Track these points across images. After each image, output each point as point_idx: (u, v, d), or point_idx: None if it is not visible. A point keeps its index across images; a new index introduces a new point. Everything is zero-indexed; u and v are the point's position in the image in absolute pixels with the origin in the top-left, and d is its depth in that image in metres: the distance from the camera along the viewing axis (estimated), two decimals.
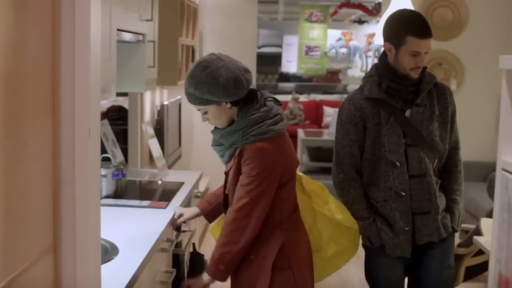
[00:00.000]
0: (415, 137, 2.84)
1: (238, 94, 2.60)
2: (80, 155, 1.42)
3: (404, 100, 2.89)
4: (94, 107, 1.45)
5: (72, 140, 1.41)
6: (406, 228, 2.90)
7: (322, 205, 3.03)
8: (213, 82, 2.55)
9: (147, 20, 3.67)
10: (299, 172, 3.18)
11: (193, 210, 3.21)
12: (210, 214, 3.10)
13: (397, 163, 2.86)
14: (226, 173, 2.77)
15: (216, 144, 2.78)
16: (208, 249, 5.34)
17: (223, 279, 2.73)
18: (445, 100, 2.93)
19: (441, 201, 2.94)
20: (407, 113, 2.90)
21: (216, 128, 2.76)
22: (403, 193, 2.88)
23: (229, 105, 2.63)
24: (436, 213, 2.90)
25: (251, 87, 2.67)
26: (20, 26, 1.23)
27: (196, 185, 4.22)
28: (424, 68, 2.89)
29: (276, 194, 2.66)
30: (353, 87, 13.64)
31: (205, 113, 2.69)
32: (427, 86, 2.87)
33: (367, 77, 3.01)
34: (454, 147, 2.99)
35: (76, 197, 1.43)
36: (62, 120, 1.41)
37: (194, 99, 2.64)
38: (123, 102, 4.96)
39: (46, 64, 1.37)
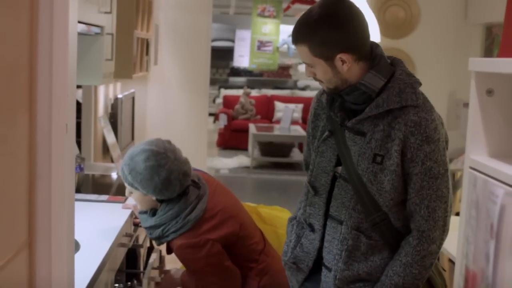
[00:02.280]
0: (347, 171, 2.05)
1: (165, 195, 2.65)
2: (56, 150, 1.41)
3: (342, 117, 2.09)
4: (71, 101, 1.44)
5: (48, 135, 1.40)
6: (293, 264, 2.26)
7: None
8: (148, 177, 2.59)
9: (106, 13, 3.63)
10: (251, 204, 3.23)
11: None
12: None
13: (311, 189, 2.18)
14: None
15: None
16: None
17: None
18: (397, 140, 1.96)
19: (358, 267, 2.09)
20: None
21: (141, 213, 2.83)
22: (309, 228, 2.20)
23: (154, 198, 2.69)
24: (336, 277, 2.11)
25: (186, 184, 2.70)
26: (4, 18, 1.21)
27: None
28: (385, 86, 2.01)
29: (234, 249, 2.71)
30: (303, 82, 13.78)
31: (130, 192, 2.76)
32: (371, 111, 1.98)
33: None
34: (414, 212, 2.01)
35: (52, 192, 1.42)
36: (39, 114, 1.39)
37: (124, 178, 2.70)
38: (77, 95, 4.89)
39: (23, 57, 1.35)
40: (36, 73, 1.39)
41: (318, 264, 2.22)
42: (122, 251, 3.14)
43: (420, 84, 2.03)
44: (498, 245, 1.40)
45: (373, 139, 1.99)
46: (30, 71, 1.38)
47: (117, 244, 2.86)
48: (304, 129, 10.62)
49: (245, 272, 2.74)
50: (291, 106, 11.50)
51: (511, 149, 1.59)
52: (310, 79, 13.96)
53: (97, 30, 3.48)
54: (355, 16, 1.96)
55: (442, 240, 2.00)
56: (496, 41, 6.17)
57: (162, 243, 2.76)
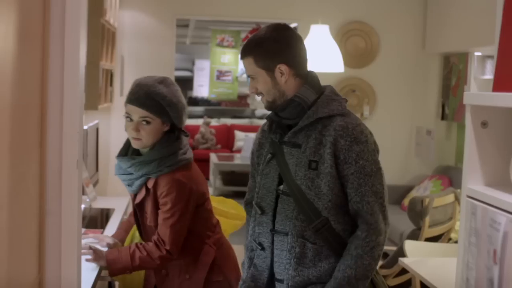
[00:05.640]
0: (288, 185, 2.22)
1: (181, 123, 2.68)
2: (66, 186, 1.41)
3: (281, 135, 2.28)
4: (80, 138, 1.44)
5: (59, 171, 1.40)
6: (251, 282, 2.34)
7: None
8: (175, 100, 2.62)
9: None
10: None
11: (114, 240, 3.16)
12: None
13: (258, 209, 2.30)
14: (138, 205, 2.73)
15: (122, 172, 2.72)
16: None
17: (114, 272, 2.68)
18: (328, 144, 2.14)
19: (308, 272, 2.22)
20: None
21: (121, 156, 2.72)
22: (259, 247, 2.31)
23: (167, 128, 2.66)
24: (288, 285, 2.22)
25: None
26: (22, 58, 1.22)
27: (126, 211, 4.17)
28: (315, 101, 2.21)
29: (196, 214, 2.74)
30: (261, 111, 13.88)
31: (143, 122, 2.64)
32: (304, 122, 2.19)
33: None
34: (358, 210, 2.16)
35: (62, 229, 1.42)
36: (49, 152, 1.40)
37: (153, 104, 2.59)
38: None
39: (36, 94, 1.36)
40: (47, 110, 1.39)
41: (273, 283, 2.32)
42: (102, 285, 3.11)
43: (346, 101, 2.26)
44: (502, 270, 1.46)
45: (308, 148, 2.18)
46: (41, 109, 1.38)
47: (100, 277, 2.83)
48: None
49: (203, 239, 2.78)
50: (252, 135, 11.55)
51: (506, 178, 1.66)
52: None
53: None
54: (298, 40, 2.24)
55: (386, 232, 2.16)
56: (454, 70, 6.37)
57: (146, 178, 2.66)
